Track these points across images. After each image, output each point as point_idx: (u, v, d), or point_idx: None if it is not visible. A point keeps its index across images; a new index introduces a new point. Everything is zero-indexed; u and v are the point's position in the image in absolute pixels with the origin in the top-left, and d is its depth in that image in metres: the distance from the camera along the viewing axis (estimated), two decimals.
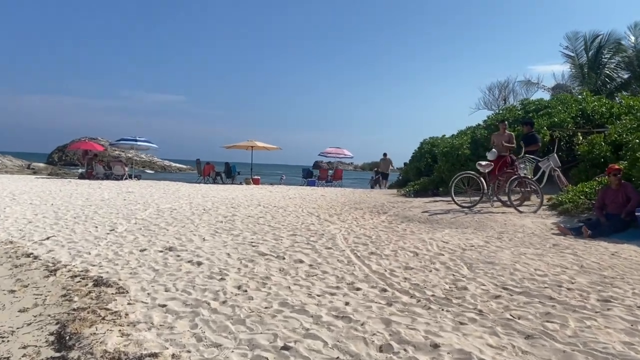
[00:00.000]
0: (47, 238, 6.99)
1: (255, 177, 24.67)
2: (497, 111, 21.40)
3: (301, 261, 5.34)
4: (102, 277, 4.90)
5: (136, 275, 4.90)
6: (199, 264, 5.32)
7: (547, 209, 8.85)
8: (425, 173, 24.87)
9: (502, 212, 8.78)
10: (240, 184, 24.30)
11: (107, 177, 24.50)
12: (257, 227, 7.98)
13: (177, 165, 78.10)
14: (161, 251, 6.03)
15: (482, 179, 9.17)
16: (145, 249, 6.13)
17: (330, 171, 26.98)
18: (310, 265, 5.16)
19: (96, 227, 7.96)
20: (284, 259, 5.50)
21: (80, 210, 10.15)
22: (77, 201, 11.95)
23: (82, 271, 5.16)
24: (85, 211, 9.96)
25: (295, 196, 15.26)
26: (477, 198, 9.36)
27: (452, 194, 9.49)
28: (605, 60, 23.98)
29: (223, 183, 24.58)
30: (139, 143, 25.18)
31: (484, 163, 9.27)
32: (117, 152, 52.01)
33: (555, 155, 10.06)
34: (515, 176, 8.92)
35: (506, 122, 11.38)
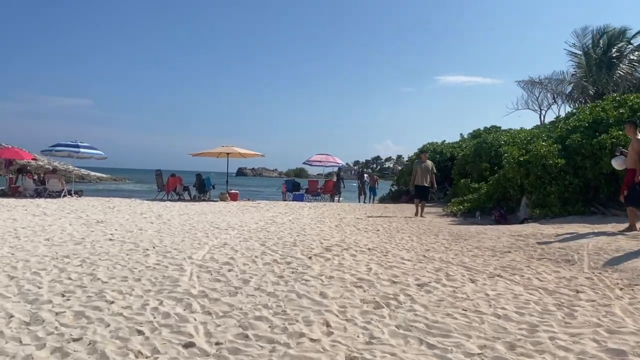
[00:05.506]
0: None
1: (233, 191, 20.30)
2: (572, 110, 18.63)
3: None
4: None
5: None
6: None
7: None
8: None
9: None
10: (204, 199, 19.85)
11: (38, 194, 19.09)
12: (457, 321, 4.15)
13: (97, 174, 69.81)
14: None
15: None
16: None
17: (321, 182, 23.07)
18: None
19: (139, 329, 3.73)
20: None
21: (58, 270, 5.67)
22: (36, 247, 7.29)
23: None
24: (71, 274, 5.52)
25: (335, 222, 11.42)
26: None
27: None
28: (615, 61, 22.29)
29: (191, 199, 19.99)
30: (81, 150, 19.78)
31: None
32: (25, 160, 42.78)
33: None
34: None
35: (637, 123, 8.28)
